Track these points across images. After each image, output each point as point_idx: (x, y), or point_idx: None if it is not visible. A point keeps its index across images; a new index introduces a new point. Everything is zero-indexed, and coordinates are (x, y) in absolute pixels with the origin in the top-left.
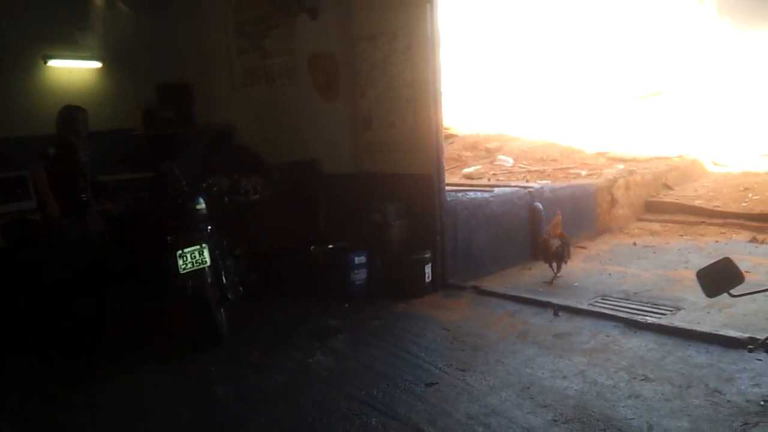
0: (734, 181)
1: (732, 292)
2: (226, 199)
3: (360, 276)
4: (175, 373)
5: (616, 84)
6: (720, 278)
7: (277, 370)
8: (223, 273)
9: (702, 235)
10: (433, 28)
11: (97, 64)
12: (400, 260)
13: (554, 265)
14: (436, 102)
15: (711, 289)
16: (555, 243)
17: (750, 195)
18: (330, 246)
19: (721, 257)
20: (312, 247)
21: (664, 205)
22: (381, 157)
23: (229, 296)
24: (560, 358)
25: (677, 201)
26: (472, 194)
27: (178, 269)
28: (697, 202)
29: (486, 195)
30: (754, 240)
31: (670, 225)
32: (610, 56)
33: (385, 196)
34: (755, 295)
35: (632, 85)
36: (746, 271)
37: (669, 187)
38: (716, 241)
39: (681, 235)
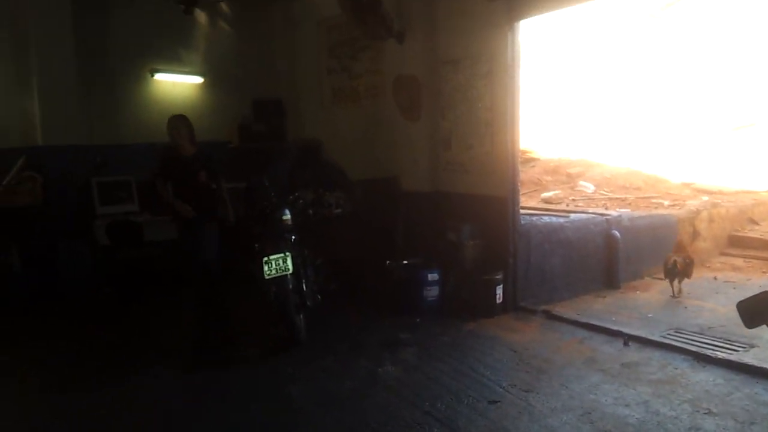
0: None
1: None
2: (311, 211)
3: (432, 293)
4: (255, 371)
5: (707, 113)
6: (761, 310)
7: (348, 376)
8: (304, 281)
9: None
10: (514, 54)
11: (199, 79)
12: (472, 280)
13: (675, 282)
14: (513, 126)
15: (751, 321)
16: (671, 259)
17: None
18: (405, 261)
19: None
20: (388, 262)
21: (748, 240)
22: (458, 177)
23: (308, 303)
24: (625, 386)
25: (762, 237)
26: (546, 219)
27: (263, 275)
28: None
29: (561, 220)
30: None
31: (754, 261)
32: (703, 85)
33: (460, 215)
34: None
35: (724, 115)
36: None
37: (755, 222)
38: None
39: (764, 272)
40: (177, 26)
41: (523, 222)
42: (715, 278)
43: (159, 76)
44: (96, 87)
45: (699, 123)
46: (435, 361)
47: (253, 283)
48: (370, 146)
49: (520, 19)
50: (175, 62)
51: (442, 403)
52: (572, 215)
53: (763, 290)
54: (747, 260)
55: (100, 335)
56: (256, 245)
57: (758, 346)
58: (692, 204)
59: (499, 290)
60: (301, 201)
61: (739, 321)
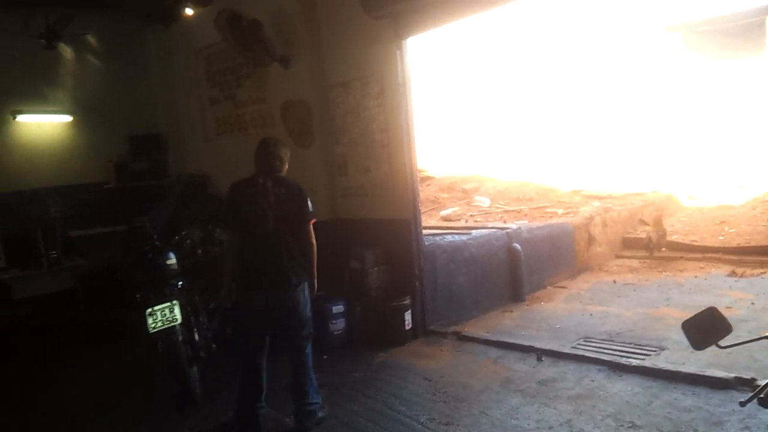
0: (710, 214)
1: (720, 343)
2: (200, 251)
3: (338, 326)
4: None
5: (588, 121)
6: (706, 329)
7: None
8: (195, 330)
9: (681, 270)
10: (404, 74)
11: (68, 118)
12: (379, 307)
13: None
14: (410, 146)
15: (698, 342)
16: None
17: (726, 228)
18: None
19: (700, 292)
20: None
21: (641, 242)
22: (357, 202)
23: (202, 354)
24: (545, 406)
25: None
26: (450, 237)
27: (148, 328)
28: (675, 237)
29: (464, 237)
30: (733, 274)
31: (649, 261)
32: (584, 93)
33: (363, 241)
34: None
35: (605, 121)
36: (728, 307)
37: (645, 223)
38: (695, 276)
39: (660, 271)
40: (40, 63)
41: (427, 243)
42: (614, 281)
43: (22, 118)
44: None
45: (581, 131)
46: (347, 401)
47: (139, 336)
48: None
49: (407, 37)
50: (39, 102)
51: None
52: (473, 231)
53: (707, 307)
54: (642, 261)
55: None
56: (138, 296)
57: (668, 348)
58: (585, 210)
59: (408, 316)
60: (188, 241)
61: (645, 324)
